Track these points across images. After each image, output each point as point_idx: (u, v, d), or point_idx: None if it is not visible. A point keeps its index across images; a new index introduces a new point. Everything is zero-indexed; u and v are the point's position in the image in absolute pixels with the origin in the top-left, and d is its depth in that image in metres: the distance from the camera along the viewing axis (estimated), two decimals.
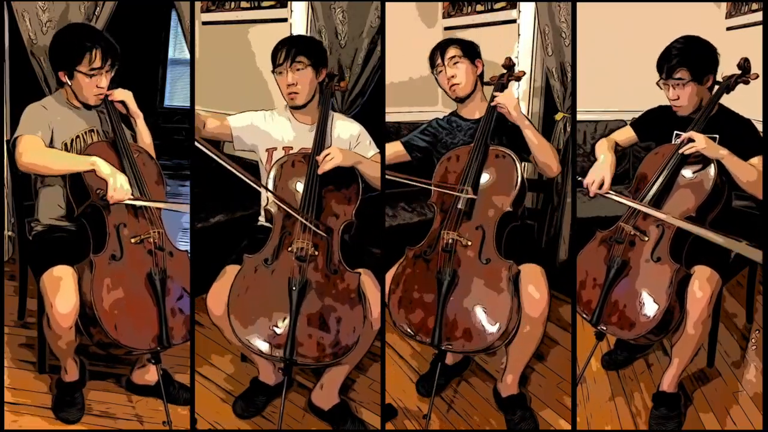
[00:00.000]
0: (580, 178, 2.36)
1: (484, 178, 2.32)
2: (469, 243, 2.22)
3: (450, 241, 2.23)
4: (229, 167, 2.11)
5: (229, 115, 2.43)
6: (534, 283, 2.17)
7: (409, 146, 2.57)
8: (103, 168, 2.15)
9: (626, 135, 2.53)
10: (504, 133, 2.44)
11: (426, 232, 2.34)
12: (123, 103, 2.35)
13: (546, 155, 2.37)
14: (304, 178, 2.27)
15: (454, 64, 2.47)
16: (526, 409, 2.36)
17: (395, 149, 2.56)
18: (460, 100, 2.52)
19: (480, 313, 2.13)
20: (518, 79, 2.53)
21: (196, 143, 2.08)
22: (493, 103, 2.38)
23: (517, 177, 2.29)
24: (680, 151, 2.23)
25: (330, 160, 2.24)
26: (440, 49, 2.49)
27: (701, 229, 2.11)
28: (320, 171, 2.24)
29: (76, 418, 2.30)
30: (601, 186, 2.31)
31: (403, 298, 2.22)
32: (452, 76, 2.47)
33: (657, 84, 2.33)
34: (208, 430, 2.32)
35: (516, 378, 2.35)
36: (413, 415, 2.41)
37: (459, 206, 2.28)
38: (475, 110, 2.53)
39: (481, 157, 2.33)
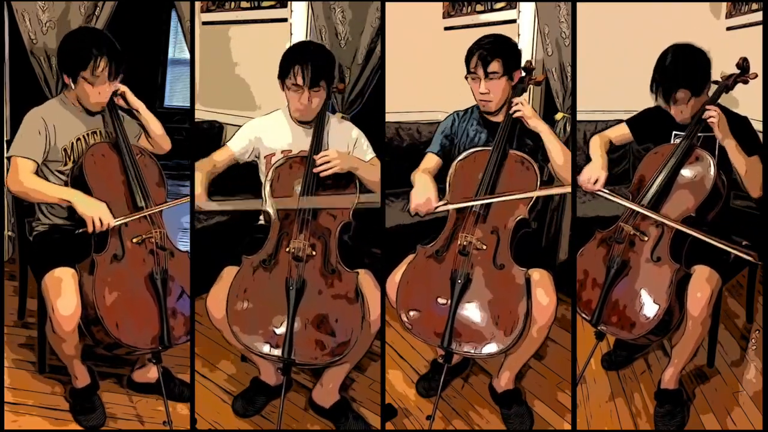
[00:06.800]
0: None
1: (502, 183, 2.28)
2: (484, 247, 2.20)
3: (466, 243, 2.21)
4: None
5: (226, 142, 2.47)
6: (543, 289, 2.15)
7: (441, 154, 2.45)
8: (80, 206, 2.14)
9: (620, 132, 2.51)
10: (525, 136, 2.38)
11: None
12: (122, 96, 2.32)
13: (566, 161, 2.32)
14: (302, 179, 2.27)
15: (491, 79, 2.33)
16: (521, 404, 2.37)
17: (435, 161, 2.44)
18: (488, 113, 2.42)
19: (492, 319, 2.11)
20: (538, 83, 2.44)
21: (204, 207, 2.27)
22: (511, 111, 2.31)
23: (537, 184, 2.26)
24: (703, 117, 2.22)
25: (329, 165, 2.23)
26: (482, 60, 2.31)
27: (693, 231, 2.13)
28: (316, 171, 2.24)
29: (101, 422, 2.29)
30: (595, 183, 2.30)
31: (411, 296, 2.19)
32: (486, 92, 2.34)
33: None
34: (208, 430, 2.32)
35: (513, 375, 2.36)
36: (413, 415, 2.41)
37: (475, 209, 2.26)
38: (500, 116, 2.41)
39: (499, 163, 2.28)
